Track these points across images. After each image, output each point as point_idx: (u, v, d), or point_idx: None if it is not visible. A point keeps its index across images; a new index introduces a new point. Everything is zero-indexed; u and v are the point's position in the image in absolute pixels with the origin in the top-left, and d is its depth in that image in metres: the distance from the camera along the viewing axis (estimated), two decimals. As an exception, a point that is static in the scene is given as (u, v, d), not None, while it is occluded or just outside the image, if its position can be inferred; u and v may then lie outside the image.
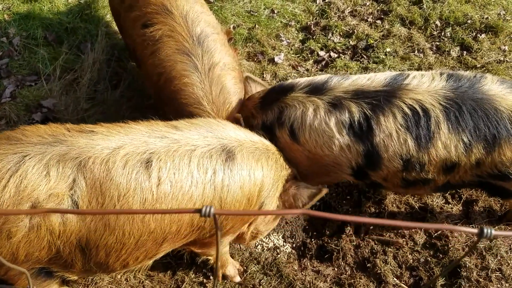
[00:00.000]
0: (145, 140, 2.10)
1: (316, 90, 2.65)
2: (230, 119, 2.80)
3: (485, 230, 0.79)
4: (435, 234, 3.18)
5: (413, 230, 3.20)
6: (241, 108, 2.94)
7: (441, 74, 2.60)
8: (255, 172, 2.29)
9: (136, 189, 1.98)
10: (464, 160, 2.50)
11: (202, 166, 2.12)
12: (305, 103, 2.62)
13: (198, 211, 0.74)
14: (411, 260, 3.06)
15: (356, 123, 2.51)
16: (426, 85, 2.53)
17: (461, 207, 3.32)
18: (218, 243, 0.85)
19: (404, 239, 3.17)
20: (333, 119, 2.54)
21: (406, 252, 3.10)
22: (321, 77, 2.75)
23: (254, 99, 2.91)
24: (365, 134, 2.51)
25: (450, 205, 3.33)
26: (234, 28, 4.45)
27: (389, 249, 3.11)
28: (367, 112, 2.50)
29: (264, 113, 2.78)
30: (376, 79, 2.62)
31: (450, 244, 3.09)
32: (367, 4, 4.81)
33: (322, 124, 2.56)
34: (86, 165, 1.93)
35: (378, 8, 4.79)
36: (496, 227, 3.18)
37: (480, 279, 2.92)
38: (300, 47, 4.43)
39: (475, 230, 0.80)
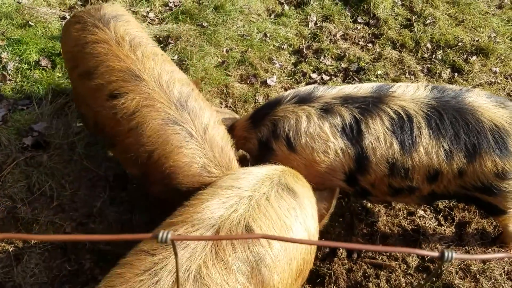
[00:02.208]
0: (217, 211, 2.01)
1: (304, 99, 2.72)
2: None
3: (446, 254, 0.77)
4: (428, 257, 3.14)
5: (407, 253, 3.16)
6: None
7: (425, 86, 2.70)
8: (314, 206, 2.28)
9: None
10: (446, 168, 2.55)
11: (288, 211, 2.08)
12: (296, 112, 2.69)
13: (155, 236, 0.72)
14: (404, 284, 3.01)
15: (347, 126, 2.60)
16: (411, 94, 2.63)
17: (454, 229, 3.29)
18: (177, 268, 0.83)
19: (397, 262, 3.12)
20: (326, 124, 2.62)
21: (399, 276, 3.05)
22: (306, 88, 2.83)
23: (242, 122, 2.92)
24: (356, 137, 2.59)
25: (443, 227, 3.30)
26: (227, 51, 4.49)
27: (382, 272, 3.06)
28: (357, 116, 2.60)
29: (257, 130, 2.81)
30: (363, 87, 2.73)
31: (444, 267, 3.05)
32: (359, 28, 4.87)
33: (317, 129, 2.63)
34: None
35: (369, 31, 4.84)
36: (490, 249, 3.15)
37: (474, 303, 2.87)
38: (293, 69, 4.46)
39: (436, 254, 0.78)
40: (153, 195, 2.90)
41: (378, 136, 2.57)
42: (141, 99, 2.55)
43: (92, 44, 2.76)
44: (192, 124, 2.56)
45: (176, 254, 0.75)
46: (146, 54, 2.72)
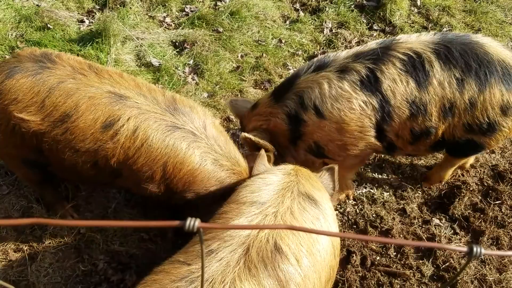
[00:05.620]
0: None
1: (321, 66, 2.87)
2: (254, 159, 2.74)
3: (475, 249, 0.76)
4: (443, 266, 3.10)
5: (421, 261, 3.12)
6: (249, 119, 3.07)
7: (428, 32, 2.90)
8: (332, 207, 2.28)
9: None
10: (459, 98, 2.70)
11: (312, 223, 2.07)
12: (317, 80, 2.83)
13: (182, 224, 0.72)
14: (418, 293, 2.97)
15: (365, 77, 2.75)
16: (415, 38, 2.82)
17: (469, 238, 3.24)
18: (203, 257, 0.82)
19: (411, 270, 3.08)
20: (345, 82, 2.77)
21: (413, 284, 3.01)
22: (318, 58, 3.01)
23: (265, 99, 3.07)
24: (374, 85, 2.74)
25: (458, 236, 3.26)
26: (242, 57, 4.51)
27: (396, 281, 3.03)
28: (370, 66, 2.76)
29: (283, 105, 2.94)
30: (369, 44, 2.93)
31: (459, 276, 3.00)
32: (374, 34, 4.86)
33: (338, 90, 2.78)
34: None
35: (385, 38, 4.81)
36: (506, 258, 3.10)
37: (490, 314, 2.83)
38: (307, 76, 4.45)
39: (465, 249, 0.77)
40: (177, 207, 2.89)
41: (394, 78, 2.71)
42: (135, 116, 2.50)
43: (59, 85, 2.49)
44: (191, 123, 2.59)
45: (201, 242, 0.75)
46: (112, 73, 2.63)
